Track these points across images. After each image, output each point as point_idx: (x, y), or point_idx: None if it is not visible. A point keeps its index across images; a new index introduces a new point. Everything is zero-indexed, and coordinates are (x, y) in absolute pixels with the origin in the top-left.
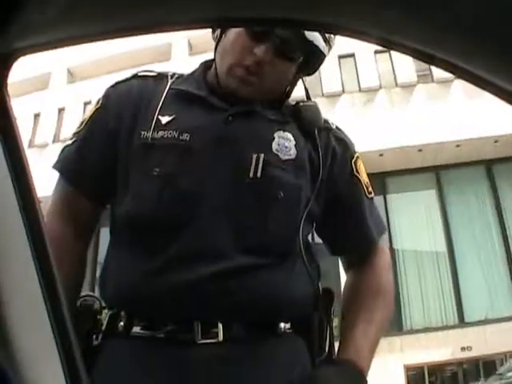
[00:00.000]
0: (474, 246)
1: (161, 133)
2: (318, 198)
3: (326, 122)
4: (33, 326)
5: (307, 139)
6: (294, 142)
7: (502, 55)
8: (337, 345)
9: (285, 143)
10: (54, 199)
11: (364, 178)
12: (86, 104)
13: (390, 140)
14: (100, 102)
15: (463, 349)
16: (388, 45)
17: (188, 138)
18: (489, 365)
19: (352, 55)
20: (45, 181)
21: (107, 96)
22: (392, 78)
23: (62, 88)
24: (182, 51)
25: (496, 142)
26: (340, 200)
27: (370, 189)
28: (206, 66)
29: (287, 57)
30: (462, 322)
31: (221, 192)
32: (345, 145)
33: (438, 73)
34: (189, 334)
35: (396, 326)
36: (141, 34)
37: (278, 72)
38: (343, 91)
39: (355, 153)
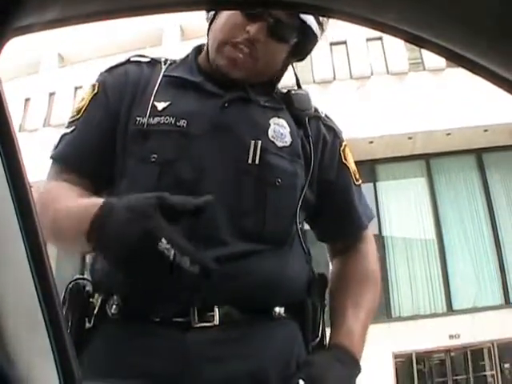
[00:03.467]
0: (463, 235)
1: (157, 119)
2: (311, 185)
3: (315, 110)
4: (28, 325)
5: (299, 127)
6: (288, 129)
7: (497, 41)
8: (328, 330)
9: (280, 130)
10: (50, 187)
11: (352, 166)
12: (76, 88)
13: (381, 127)
14: (96, 86)
15: (451, 337)
16: (381, 28)
17: (185, 125)
18: (476, 353)
19: (344, 42)
20: (35, 165)
21: (103, 80)
22: (384, 65)
23: (52, 72)
24: (174, 36)
25: (486, 130)
26: (330, 187)
27: (358, 176)
28: (198, 50)
29: (280, 38)
30: (451, 310)
31: (219, 178)
32: (334, 133)
33: (429, 61)
34: (185, 318)
35: (384, 313)
36: (135, 15)
37: (271, 53)
38: (334, 78)
39: (343, 141)
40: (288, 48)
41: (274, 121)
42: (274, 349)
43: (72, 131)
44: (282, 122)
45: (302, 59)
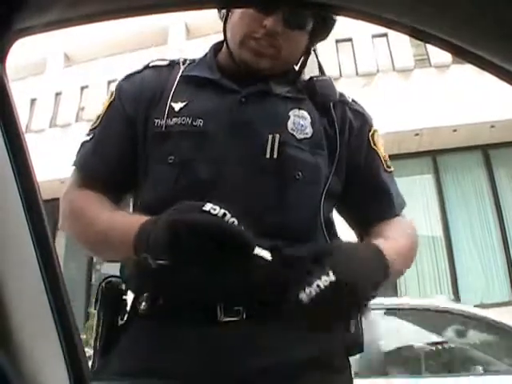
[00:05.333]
0: (471, 231)
1: (174, 119)
2: (338, 174)
3: (341, 95)
4: (38, 326)
5: (323, 114)
6: (309, 120)
7: (503, 35)
8: None
9: (300, 122)
10: (77, 196)
11: (382, 152)
12: (82, 88)
13: (387, 124)
14: (113, 94)
15: None
16: (385, 24)
17: (202, 124)
18: None
19: (349, 39)
20: (42, 165)
21: (120, 88)
22: (389, 62)
23: (58, 72)
24: (179, 35)
25: (493, 126)
26: (358, 172)
27: (389, 163)
28: (217, 48)
29: (298, 26)
30: None
31: (238, 176)
32: (362, 118)
33: (435, 57)
34: (211, 313)
35: None
36: (137, 15)
37: (292, 42)
38: (340, 75)
39: (372, 126)
40: (308, 33)
41: (294, 112)
42: (301, 339)
43: (91, 139)
44: (303, 113)
45: (323, 39)
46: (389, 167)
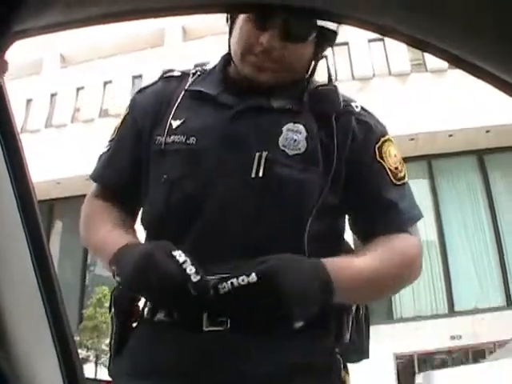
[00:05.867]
0: (465, 236)
1: (172, 137)
2: (334, 188)
3: (348, 105)
4: (32, 327)
5: (322, 126)
6: (305, 134)
7: (497, 44)
8: None
9: (293, 136)
10: (93, 206)
11: (391, 164)
12: (78, 89)
13: None
14: (128, 108)
15: (453, 337)
16: (381, 31)
17: (194, 142)
18: (478, 354)
19: (346, 43)
20: (37, 166)
21: (134, 101)
22: (385, 66)
23: (54, 73)
24: (176, 37)
25: (488, 131)
26: (360, 186)
27: (401, 174)
28: (226, 59)
29: (295, 38)
30: (452, 311)
31: (225, 193)
32: (368, 128)
33: (431, 62)
34: (198, 322)
35: (386, 314)
36: (134, 18)
37: (292, 54)
38: (336, 79)
39: (383, 136)
40: (312, 42)
41: (288, 127)
42: (286, 352)
43: (107, 151)
44: (298, 127)
45: (331, 45)
46: (399, 179)
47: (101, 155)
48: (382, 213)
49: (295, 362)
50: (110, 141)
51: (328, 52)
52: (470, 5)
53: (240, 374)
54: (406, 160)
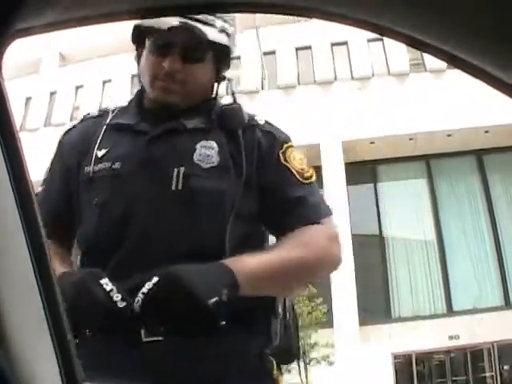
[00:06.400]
0: (464, 236)
1: (99, 166)
2: (249, 194)
3: (252, 119)
4: (30, 326)
5: (231, 141)
6: (216, 149)
7: (495, 44)
8: None
9: (207, 152)
10: None
11: (296, 166)
12: (77, 88)
13: (382, 128)
14: (56, 150)
15: (451, 337)
16: (380, 31)
17: (119, 166)
18: (476, 354)
19: (345, 43)
20: (36, 165)
21: (60, 142)
22: (385, 66)
23: (53, 72)
24: None
25: (487, 132)
26: (270, 188)
27: (308, 175)
28: (140, 93)
29: (195, 60)
30: (450, 311)
31: (149, 209)
32: (272, 137)
33: (430, 62)
34: (135, 333)
35: (384, 313)
36: (133, 18)
37: (195, 75)
38: (335, 79)
39: (286, 143)
40: (212, 64)
41: (201, 144)
42: (220, 356)
43: (43, 189)
44: (211, 143)
45: (227, 67)
46: (306, 178)
47: (36, 194)
48: (292, 208)
49: (226, 363)
50: (44, 179)
51: (327, 51)
52: (470, 5)
53: (175, 378)
54: (404, 160)
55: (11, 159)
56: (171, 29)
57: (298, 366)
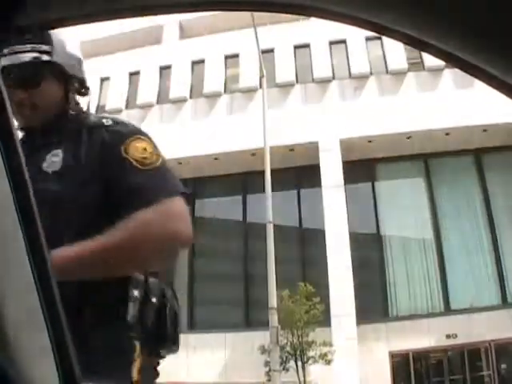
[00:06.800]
0: (461, 234)
1: None
2: (93, 189)
3: (99, 121)
4: (28, 325)
5: (77, 146)
6: (61, 156)
7: (495, 44)
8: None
9: (53, 159)
10: None
11: (136, 155)
12: None
13: (379, 127)
14: None
15: (448, 336)
16: (378, 30)
17: None
18: (473, 353)
19: (343, 41)
20: None
21: None
22: (383, 65)
23: None
24: (173, 34)
25: (485, 130)
26: (112, 180)
27: (149, 161)
28: None
29: (27, 86)
30: (448, 310)
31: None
32: (116, 134)
33: (429, 61)
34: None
35: (382, 312)
36: (134, 15)
37: (38, 97)
38: (334, 77)
39: (131, 137)
40: (51, 84)
41: (52, 153)
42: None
43: None
44: (57, 151)
45: (77, 83)
46: (148, 165)
47: None
48: (132, 193)
49: (95, 346)
50: None
51: (325, 50)
52: (470, 5)
53: None
54: (402, 158)
55: (9, 158)
56: (3, 69)
57: (296, 365)
